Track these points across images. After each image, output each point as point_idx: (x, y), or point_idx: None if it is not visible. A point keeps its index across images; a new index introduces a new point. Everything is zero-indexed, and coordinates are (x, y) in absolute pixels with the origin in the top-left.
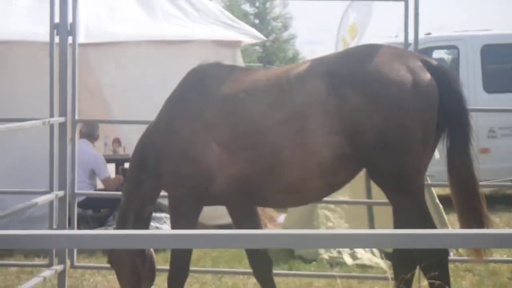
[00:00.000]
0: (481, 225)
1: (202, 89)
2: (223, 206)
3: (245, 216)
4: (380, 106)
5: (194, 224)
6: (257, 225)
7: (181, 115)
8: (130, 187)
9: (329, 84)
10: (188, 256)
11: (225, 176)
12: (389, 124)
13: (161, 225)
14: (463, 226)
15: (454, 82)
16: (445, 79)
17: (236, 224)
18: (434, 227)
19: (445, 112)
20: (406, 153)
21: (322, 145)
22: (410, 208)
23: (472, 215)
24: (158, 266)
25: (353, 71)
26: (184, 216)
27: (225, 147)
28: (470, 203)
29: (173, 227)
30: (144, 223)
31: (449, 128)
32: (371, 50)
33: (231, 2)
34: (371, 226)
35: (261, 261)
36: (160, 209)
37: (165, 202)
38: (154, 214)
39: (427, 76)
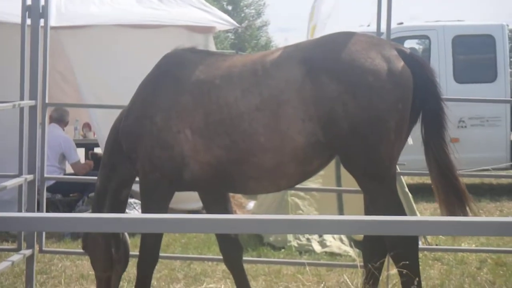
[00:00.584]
0: (463, 208)
1: (176, 74)
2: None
3: (216, 202)
4: (355, 95)
5: (165, 209)
6: (228, 211)
7: (155, 101)
8: (105, 170)
9: (305, 71)
10: (158, 241)
11: (199, 163)
12: (364, 113)
13: (130, 211)
14: (446, 210)
15: (429, 71)
16: (420, 69)
17: (208, 209)
18: (404, 213)
19: (420, 100)
20: (380, 142)
21: (296, 131)
22: (382, 196)
23: (455, 198)
24: None
25: (329, 59)
26: (156, 201)
27: (199, 134)
28: (451, 186)
29: (144, 211)
30: (120, 207)
31: (424, 116)
32: (347, 38)
33: None
34: (341, 214)
35: (232, 248)
36: (130, 194)
37: (135, 188)
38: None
39: (402, 65)
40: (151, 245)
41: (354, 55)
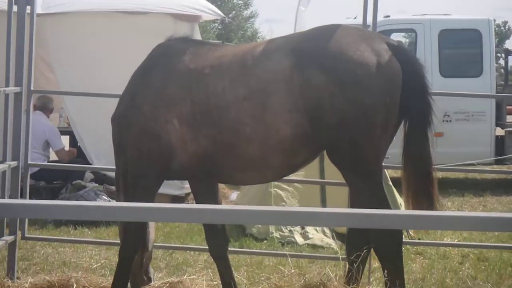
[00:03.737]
0: (431, 208)
1: (167, 64)
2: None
3: (205, 192)
4: (343, 87)
5: (152, 197)
6: (217, 202)
7: (144, 90)
8: (116, 154)
9: (294, 62)
10: (142, 230)
11: (186, 152)
12: (351, 106)
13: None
14: (412, 207)
15: (418, 66)
16: (410, 63)
17: (196, 199)
18: (389, 208)
19: (408, 95)
20: (366, 135)
21: (283, 122)
22: (367, 190)
23: (424, 197)
24: (110, 240)
25: (319, 51)
26: (144, 189)
27: (187, 123)
28: (423, 185)
29: (132, 199)
30: None
31: (410, 111)
32: (337, 30)
33: None
34: (324, 206)
35: (218, 238)
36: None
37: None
38: (110, 187)
39: (392, 59)
40: (134, 234)
41: (343, 48)
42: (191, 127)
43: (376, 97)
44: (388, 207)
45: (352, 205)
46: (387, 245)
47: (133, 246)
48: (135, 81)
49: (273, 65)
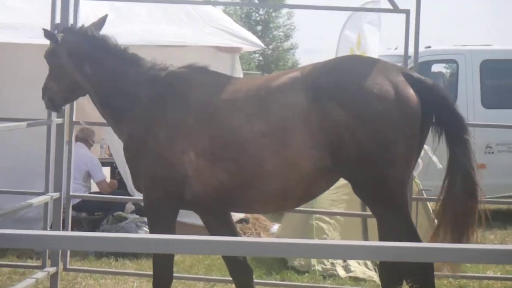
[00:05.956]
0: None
1: (183, 94)
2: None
3: (221, 225)
4: (363, 122)
5: (171, 227)
6: (234, 233)
7: (160, 117)
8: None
9: (311, 97)
10: (169, 261)
11: (202, 184)
12: (372, 140)
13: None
14: (450, 236)
15: (439, 92)
16: (429, 91)
17: (213, 233)
18: (419, 240)
19: (439, 122)
20: (388, 168)
21: (304, 158)
22: (394, 221)
23: (466, 224)
24: (151, 272)
25: (336, 85)
26: (160, 219)
27: (204, 157)
28: (465, 206)
29: (150, 228)
30: None
31: (448, 137)
32: (354, 62)
33: (233, 8)
34: (365, 239)
35: (241, 270)
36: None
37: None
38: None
39: (410, 91)
40: (162, 265)
41: (361, 81)
42: (209, 160)
43: (396, 130)
44: (417, 238)
45: (380, 238)
46: (418, 279)
47: (164, 278)
48: (152, 108)
49: (290, 100)
